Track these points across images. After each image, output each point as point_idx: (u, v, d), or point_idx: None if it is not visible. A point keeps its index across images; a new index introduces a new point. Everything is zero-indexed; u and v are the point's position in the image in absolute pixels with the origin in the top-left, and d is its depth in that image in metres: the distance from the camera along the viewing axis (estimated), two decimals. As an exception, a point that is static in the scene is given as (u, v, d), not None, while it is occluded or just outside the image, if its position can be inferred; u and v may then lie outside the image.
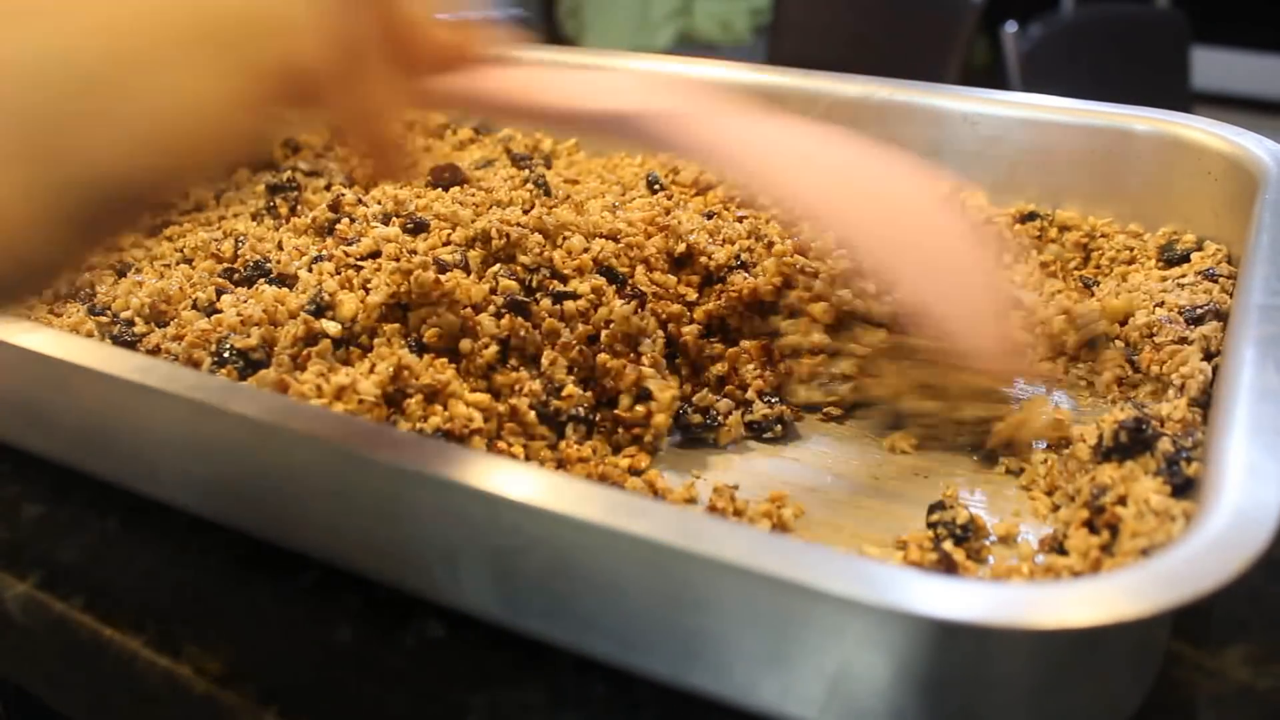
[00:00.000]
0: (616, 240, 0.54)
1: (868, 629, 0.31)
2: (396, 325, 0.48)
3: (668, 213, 0.58)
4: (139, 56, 0.28)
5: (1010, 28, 1.79)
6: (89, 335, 0.50)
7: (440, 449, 0.37)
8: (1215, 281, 0.53)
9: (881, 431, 0.50)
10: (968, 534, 0.42)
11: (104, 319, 0.52)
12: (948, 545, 0.41)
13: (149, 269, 0.57)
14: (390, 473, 0.37)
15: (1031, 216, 0.64)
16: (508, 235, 0.52)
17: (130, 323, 0.52)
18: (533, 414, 0.45)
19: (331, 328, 0.47)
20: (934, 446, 0.48)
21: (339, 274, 0.51)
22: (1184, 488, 0.39)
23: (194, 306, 0.52)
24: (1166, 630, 0.37)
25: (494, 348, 0.47)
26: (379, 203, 0.57)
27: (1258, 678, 0.38)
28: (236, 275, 0.54)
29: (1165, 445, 0.40)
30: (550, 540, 0.35)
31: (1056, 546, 0.40)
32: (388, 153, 0.37)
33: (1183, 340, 0.48)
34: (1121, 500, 0.39)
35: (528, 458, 0.45)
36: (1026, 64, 1.76)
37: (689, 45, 2.69)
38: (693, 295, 0.53)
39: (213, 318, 0.49)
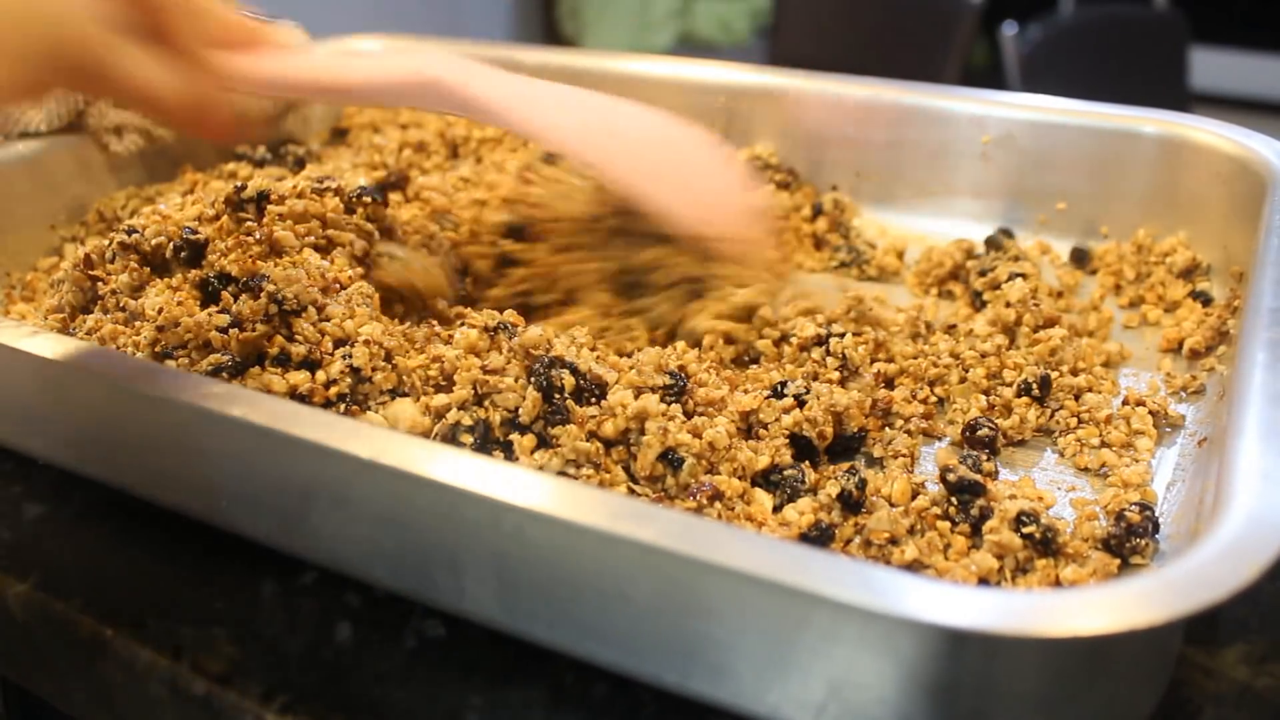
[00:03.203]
0: None
1: (876, 636, 0.30)
2: None
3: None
4: None
5: (1009, 29, 1.79)
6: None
7: (440, 454, 0.37)
8: None
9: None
10: None
11: None
12: None
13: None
14: (392, 476, 0.37)
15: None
16: None
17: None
18: None
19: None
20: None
21: None
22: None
23: None
24: (1179, 637, 0.37)
25: None
26: None
27: (1256, 676, 0.38)
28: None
29: None
30: (553, 545, 0.35)
31: None
32: (197, 116, 0.41)
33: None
34: None
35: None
36: (1026, 65, 1.76)
37: (689, 46, 2.68)
38: None
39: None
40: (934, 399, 0.53)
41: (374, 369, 0.46)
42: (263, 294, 0.48)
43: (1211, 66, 2.59)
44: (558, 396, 0.44)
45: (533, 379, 0.45)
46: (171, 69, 0.38)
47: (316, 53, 0.48)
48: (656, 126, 0.57)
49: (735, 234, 0.56)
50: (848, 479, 0.44)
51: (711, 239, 0.55)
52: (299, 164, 0.72)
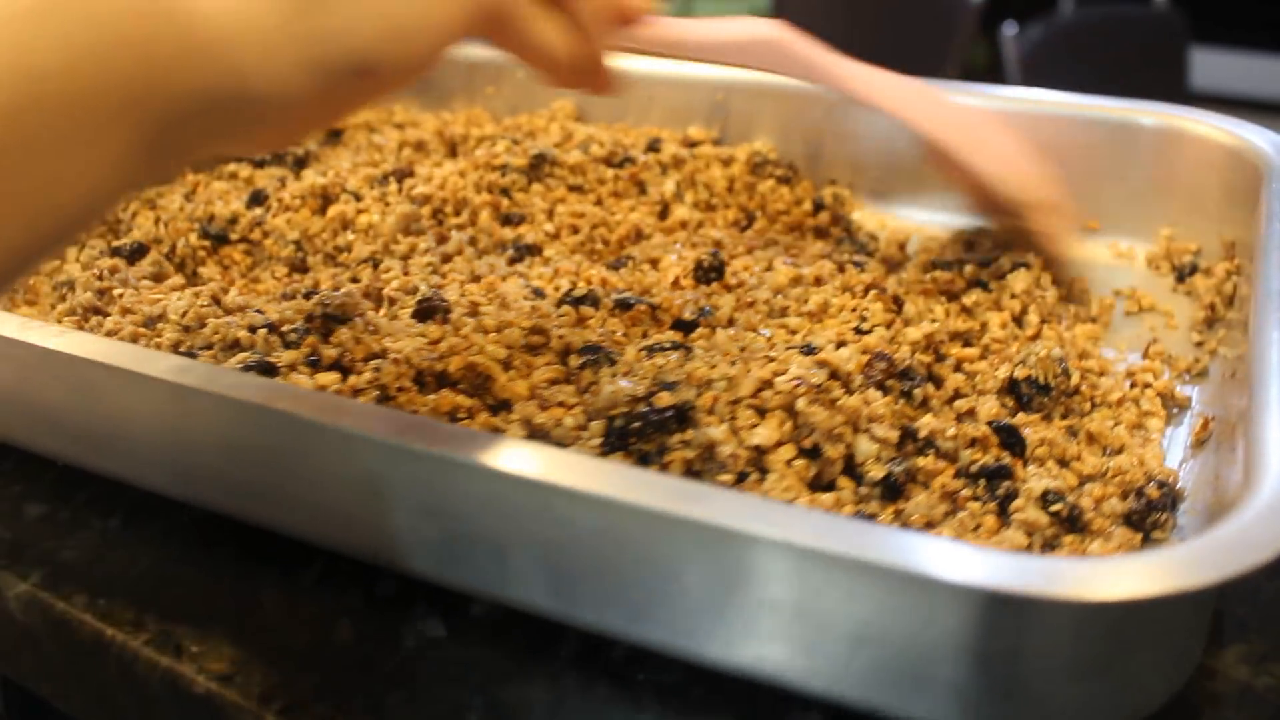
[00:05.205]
0: None
1: (923, 603, 0.31)
2: None
3: None
4: None
5: (1009, 29, 1.79)
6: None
7: (485, 440, 0.36)
8: None
9: None
10: None
11: None
12: None
13: None
14: (437, 464, 0.36)
15: None
16: None
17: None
18: None
19: None
20: None
21: None
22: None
23: None
24: (1210, 610, 0.37)
25: None
26: None
27: (1256, 676, 0.37)
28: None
29: None
30: (604, 529, 0.35)
31: None
32: (583, 74, 0.46)
33: None
34: None
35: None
36: (1026, 65, 1.76)
37: (688, 46, 2.68)
38: None
39: None
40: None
41: (399, 389, 0.45)
42: (313, 298, 0.49)
43: (1211, 66, 2.60)
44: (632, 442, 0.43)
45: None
46: (568, 32, 0.44)
47: (668, 20, 0.55)
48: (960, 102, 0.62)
49: (1046, 196, 0.61)
50: (897, 464, 0.44)
51: (1032, 203, 0.60)
52: (299, 164, 0.72)
